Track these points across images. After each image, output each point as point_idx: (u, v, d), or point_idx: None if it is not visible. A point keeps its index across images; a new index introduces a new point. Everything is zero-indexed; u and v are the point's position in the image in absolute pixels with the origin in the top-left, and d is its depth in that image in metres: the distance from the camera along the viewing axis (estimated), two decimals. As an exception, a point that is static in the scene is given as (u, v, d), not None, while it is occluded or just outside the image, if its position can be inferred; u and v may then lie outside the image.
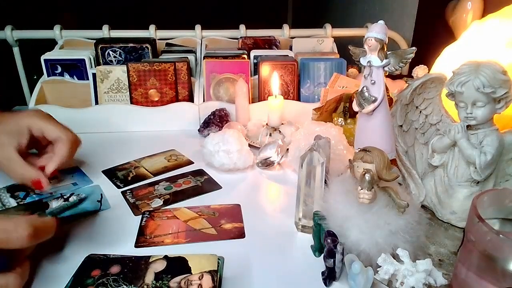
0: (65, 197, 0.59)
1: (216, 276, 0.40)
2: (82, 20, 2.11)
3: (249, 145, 0.70)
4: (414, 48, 0.51)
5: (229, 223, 0.54)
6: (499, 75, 0.46)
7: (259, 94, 0.87)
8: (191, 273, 0.41)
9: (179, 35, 1.05)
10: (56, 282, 0.44)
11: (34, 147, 0.61)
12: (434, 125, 0.57)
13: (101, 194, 0.60)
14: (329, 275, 0.44)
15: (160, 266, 0.42)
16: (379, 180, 0.43)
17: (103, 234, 0.52)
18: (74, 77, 0.89)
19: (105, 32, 1.04)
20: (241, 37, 1.01)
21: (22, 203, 0.57)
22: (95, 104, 0.86)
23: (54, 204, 0.57)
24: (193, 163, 0.71)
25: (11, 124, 0.57)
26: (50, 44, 0.99)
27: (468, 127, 0.50)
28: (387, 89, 0.60)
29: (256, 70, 0.89)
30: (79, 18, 2.19)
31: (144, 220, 0.55)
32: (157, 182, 0.64)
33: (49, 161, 0.58)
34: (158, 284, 0.39)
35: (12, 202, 0.57)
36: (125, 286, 0.39)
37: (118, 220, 0.55)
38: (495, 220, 0.42)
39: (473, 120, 0.48)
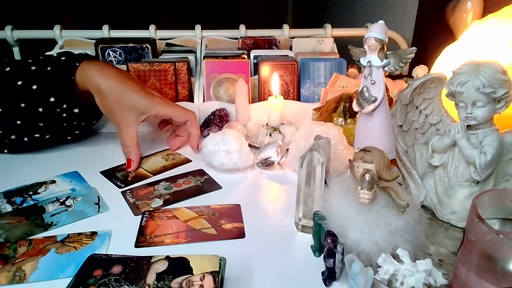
0: (61, 200, 0.59)
1: (218, 277, 0.40)
2: (82, 20, 2.11)
3: (249, 145, 0.70)
4: (414, 48, 0.51)
5: (229, 223, 0.54)
6: (499, 75, 0.46)
7: (259, 94, 0.87)
8: (193, 274, 0.41)
9: (179, 35, 1.05)
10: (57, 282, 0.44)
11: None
12: (434, 125, 0.57)
13: (98, 197, 0.60)
14: (329, 275, 0.44)
15: (162, 266, 0.42)
16: (379, 180, 0.43)
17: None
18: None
19: (105, 32, 1.04)
20: (241, 37, 1.01)
21: (17, 208, 0.57)
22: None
23: (51, 208, 0.57)
24: (191, 161, 0.72)
25: (141, 104, 0.67)
26: (50, 44, 0.99)
27: (468, 127, 0.50)
28: (387, 89, 0.60)
29: (256, 70, 0.89)
30: (79, 18, 2.18)
31: (144, 220, 0.55)
32: (157, 182, 0.64)
33: (191, 140, 0.74)
34: (160, 285, 0.39)
35: (8, 208, 0.57)
36: (126, 286, 0.39)
37: (118, 220, 0.55)
38: (495, 220, 0.43)
39: (473, 120, 0.49)
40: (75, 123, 0.71)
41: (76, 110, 0.68)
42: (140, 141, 0.80)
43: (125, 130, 0.67)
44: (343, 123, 0.75)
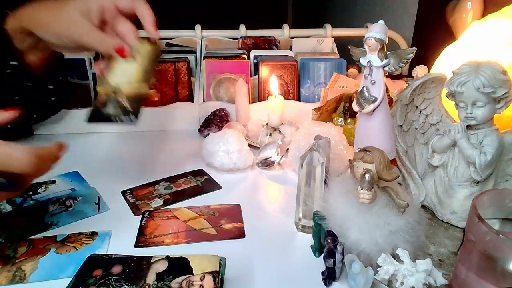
0: (61, 200, 0.59)
1: (218, 277, 0.40)
2: (82, 20, 2.11)
3: (249, 145, 0.70)
4: (414, 48, 0.51)
5: (229, 223, 0.54)
6: (499, 75, 0.46)
7: (259, 94, 0.88)
8: (193, 274, 0.41)
9: (179, 35, 1.05)
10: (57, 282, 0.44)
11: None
12: (434, 125, 0.57)
13: (98, 197, 0.60)
14: (329, 275, 0.44)
15: (162, 266, 0.42)
16: (379, 180, 0.43)
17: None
18: (74, 77, 0.89)
19: (105, 32, 1.04)
20: (241, 37, 1.01)
21: (17, 208, 0.57)
22: (95, 104, 0.86)
23: (51, 208, 0.57)
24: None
25: (81, 3, 0.57)
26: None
27: (468, 127, 0.50)
28: (387, 89, 0.60)
29: (256, 70, 0.89)
30: (79, 18, 2.18)
31: (144, 220, 0.55)
32: (157, 182, 0.64)
33: (146, 24, 0.58)
34: (160, 285, 0.39)
35: (8, 208, 0.57)
36: (126, 286, 0.39)
37: (118, 220, 0.55)
38: (495, 220, 0.43)
39: (473, 120, 0.49)
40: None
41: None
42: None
43: (85, 34, 0.56)
44: (343, 123, 0.75)
